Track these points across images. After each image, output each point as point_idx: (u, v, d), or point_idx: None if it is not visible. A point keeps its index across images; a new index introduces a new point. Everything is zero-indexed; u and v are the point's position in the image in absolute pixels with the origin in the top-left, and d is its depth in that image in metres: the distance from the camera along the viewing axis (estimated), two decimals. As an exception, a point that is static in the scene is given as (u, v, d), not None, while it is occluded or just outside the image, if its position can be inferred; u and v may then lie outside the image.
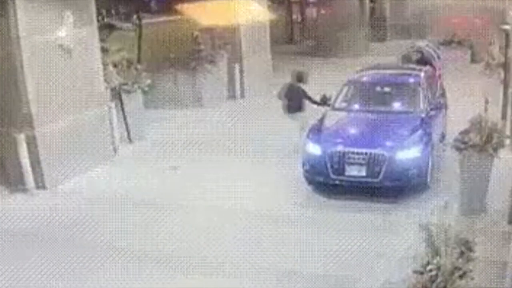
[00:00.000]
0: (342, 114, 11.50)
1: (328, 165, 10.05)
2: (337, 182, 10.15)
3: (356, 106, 11.73)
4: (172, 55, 16.08)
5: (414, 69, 13.33)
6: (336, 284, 7.68)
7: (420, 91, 11.57)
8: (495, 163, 9.10)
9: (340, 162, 10.02)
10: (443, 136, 12.25)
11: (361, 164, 9.96)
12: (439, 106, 11.97)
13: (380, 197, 9.96)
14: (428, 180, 10.32)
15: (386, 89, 11.89)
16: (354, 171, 10.01)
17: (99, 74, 12.18)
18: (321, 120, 11.11)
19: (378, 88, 11.93)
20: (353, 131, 11.18)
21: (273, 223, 9.38)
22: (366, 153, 9.96)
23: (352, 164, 10.00)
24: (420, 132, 10.61)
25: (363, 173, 9.98)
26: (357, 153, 10.01)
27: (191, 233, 9.05)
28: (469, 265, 6.19)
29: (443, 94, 13.06)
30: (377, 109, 11.42)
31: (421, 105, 11.29)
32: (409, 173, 10.02)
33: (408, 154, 10.10)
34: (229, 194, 10.10)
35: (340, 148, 10.16)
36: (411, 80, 12.22)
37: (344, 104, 11.65)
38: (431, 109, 11.37)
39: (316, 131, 10.79)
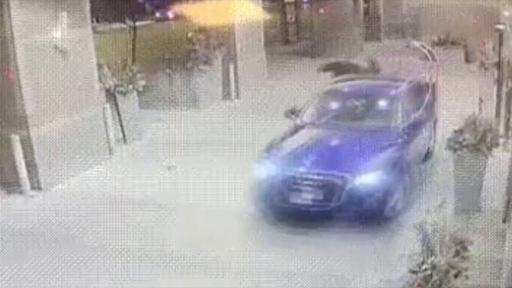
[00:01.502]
0: (303, 131, 10.21)
1: (275, 190, 8.86)
2: (283, 208, 8.90)
3: (323, 121, 10.41)
4: (167, 56, 16.10)
5: (396, 79, 11.51)
6: (336, 283, 7.69)
7: (397, 105, 10.30)
8: (489, 162, 9.14)
9: (289, 186, 8.80)
10: (428, 153, 11.17)
11: (311, 191, 8.75)
12: (423, 119, 10.53)
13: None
14: (388, 208, 8.82)
15: (359, 102, 10.55)
16: (305, 196, 8.77)
17: (94, 75, 12.19)
18: (280, 137, 9.98)
19: (349, 102, 10.69)
20: (308, 151, 9.54)
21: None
22: (317, 177, 8.75)
23: (301, 190, 8.77)
24: (387, 152, 9.32)
25: (310, 201, 8.77)
26: (308, 178, 8.78)
27: (191, 233, 9.05)
28: (464, 264, 6.23)
29: (433, 102, 11.29)
30: (344, 124, 10.15)
31: (397, 120, 10.06)
32: (366, 201, 8.69)
33: (367, 179, 8.75)
34: (227, 195, 10.07)
35: (290, 170, 8.92)
36: (389, 91, 10.81)
37: (308, 120, 10.42)
38: (411, 124, 10.10)
39: (269, 150, 9.65)
